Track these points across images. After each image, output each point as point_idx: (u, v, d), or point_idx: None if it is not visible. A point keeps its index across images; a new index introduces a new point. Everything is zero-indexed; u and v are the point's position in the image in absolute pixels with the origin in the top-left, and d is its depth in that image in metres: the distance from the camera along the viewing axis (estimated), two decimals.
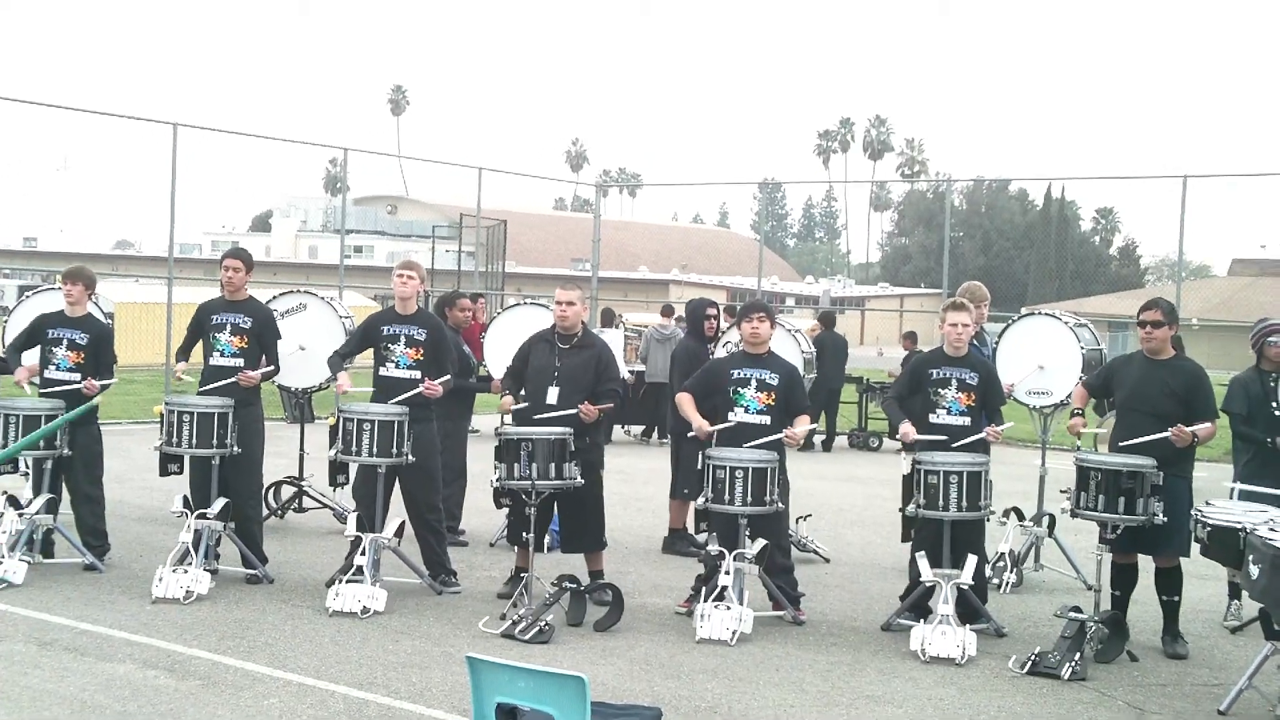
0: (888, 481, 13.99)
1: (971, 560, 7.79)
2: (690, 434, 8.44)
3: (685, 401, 8.39)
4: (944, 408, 8.15)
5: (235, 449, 8.71)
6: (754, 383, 8.21)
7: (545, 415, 8.21)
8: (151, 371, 25.40)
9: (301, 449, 11.54)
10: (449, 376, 8.73)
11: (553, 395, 8.32)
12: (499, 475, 8.00)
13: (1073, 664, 7.16)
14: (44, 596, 8.16)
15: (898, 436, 8.34)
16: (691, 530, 9.80)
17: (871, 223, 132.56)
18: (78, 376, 8.96)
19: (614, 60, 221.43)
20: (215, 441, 8.63)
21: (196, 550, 8.39)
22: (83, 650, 7.06)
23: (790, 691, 6.77)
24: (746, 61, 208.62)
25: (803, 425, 8.22)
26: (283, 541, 10.12)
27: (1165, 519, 7.40)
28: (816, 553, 10.32)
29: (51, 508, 8.82)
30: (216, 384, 8.85)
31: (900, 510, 8.11)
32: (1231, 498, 8.28)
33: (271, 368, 9.09)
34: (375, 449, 8.31)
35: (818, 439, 18.61)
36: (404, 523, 8.61)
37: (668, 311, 19.87)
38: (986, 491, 7.86)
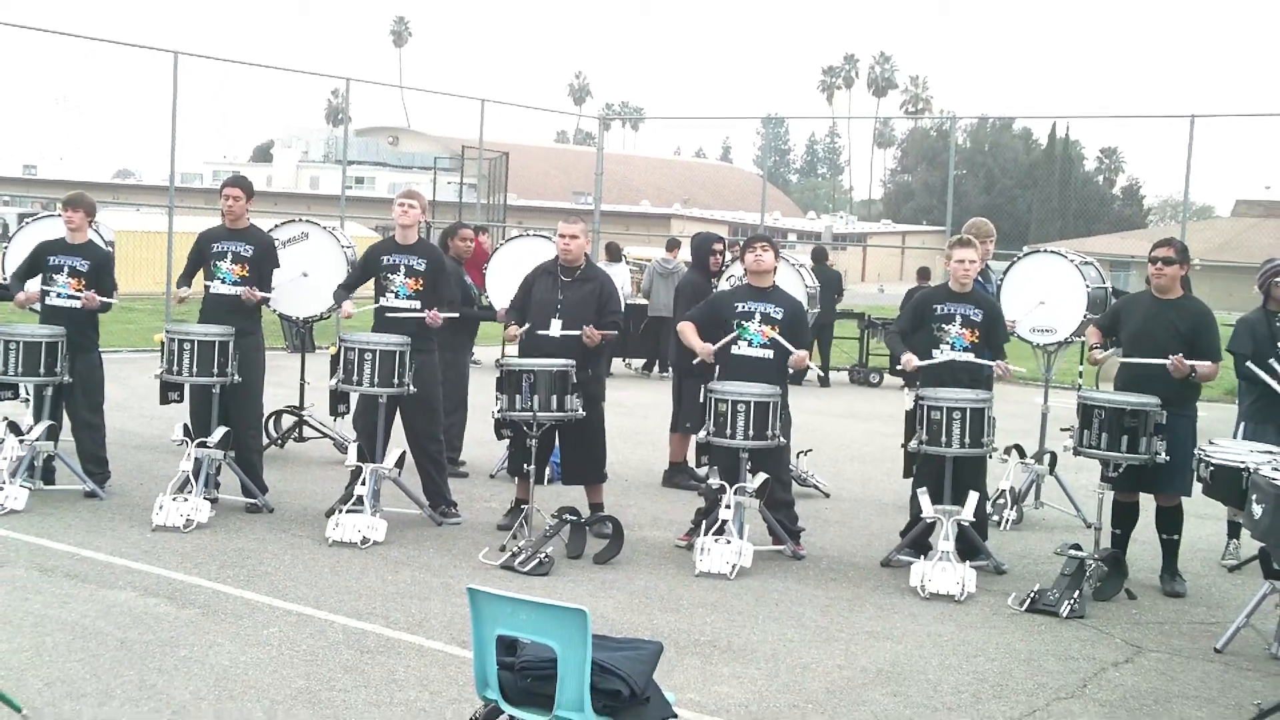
0: (888, 417, 13.99)
1: (972, 497, 7.78)
2: (697, 360, 8.35)
3: (687, 330, 8.34)
4: (947, 343, 8.09)
5: (236, 377, 8.69)
6: (758, 316, 8.15)
7: (547, 334, 8.19)
8: (152, 300, 25.31)
9: (302, 378, 11.52)
10: (456, 314, 8.71)
11: (555, 327, 8.30)
12: (500, 406, 7.98)
13: (1071, 602, 7.17)
14: (45, 523, 8.18)
15: (899, 367, 8.25)
16: (692, 464, 9.81)
17: (874, 159, 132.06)
18: (79, 304, 8.92)
19: None
20: (216, 370, 8.61)
21: (197, 479, 8.39)
22: (83, 577, 7.08)
23: (789, 626, 6.79)
24: None
25: (798, 358, 8.06)
26: (283, 471, 10.13)
27: (1168, 458, 7.38)
28: (817, 488, 10.33)
29: (52, 434, 8.81)
30: (223, 305, 8.83)
31: (902, 446, 8.09)
32: (1235, 438, 8.26)
33: (270, 293, 9.07)
34: (376, 379, 8.29)
35: (814, 374, 18.47)
36: (404, 453, 8.59)
37: (673, 245, 19.78)
38: (989, 428, 7.84)
